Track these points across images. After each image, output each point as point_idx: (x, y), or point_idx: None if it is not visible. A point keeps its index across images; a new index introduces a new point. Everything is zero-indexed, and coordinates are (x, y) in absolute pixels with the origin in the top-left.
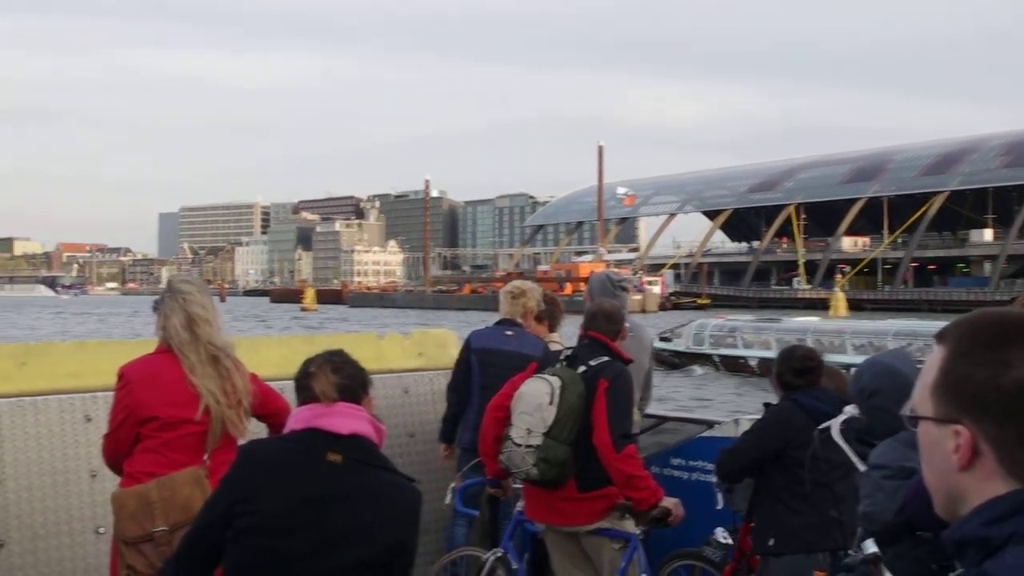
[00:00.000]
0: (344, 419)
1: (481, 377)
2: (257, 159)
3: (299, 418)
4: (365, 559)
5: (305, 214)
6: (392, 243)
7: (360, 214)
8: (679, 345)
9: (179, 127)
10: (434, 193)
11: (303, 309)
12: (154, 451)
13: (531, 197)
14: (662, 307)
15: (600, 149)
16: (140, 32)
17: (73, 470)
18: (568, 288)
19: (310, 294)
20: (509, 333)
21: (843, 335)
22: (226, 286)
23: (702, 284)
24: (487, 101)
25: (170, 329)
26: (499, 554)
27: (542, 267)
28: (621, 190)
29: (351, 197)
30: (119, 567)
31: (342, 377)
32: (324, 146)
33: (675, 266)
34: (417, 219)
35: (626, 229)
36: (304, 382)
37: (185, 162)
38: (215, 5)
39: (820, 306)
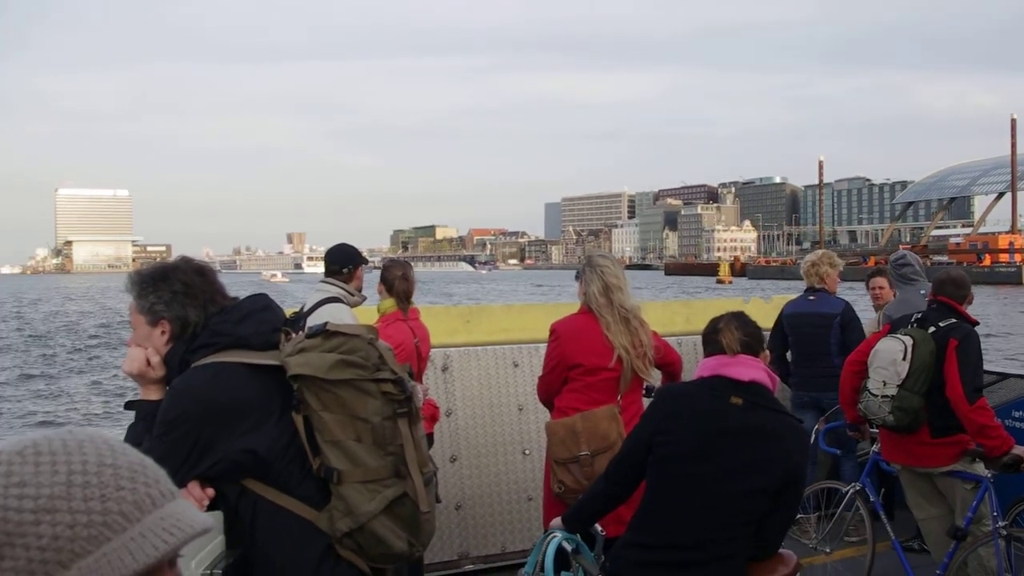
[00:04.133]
0: (745, 368)
1: (792, 337)
2: (619, 156)
3: (706, 367)
4: (765, 486)
5: (669, 200)
6: (747, 223)
7: (714, 198)
8: None
9: (554, 135)
10: (777, 179)
11: (719, 281)
12: (578, 391)
13: (867, 180)
14: None
15: (1013, 122)
16: (509, 62)
17: (505, 404)
18: (987, 259)
19: (725, 268)
20: (812, 298)
21: None
22: None
23: None
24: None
25: (590, 294)
26: (858, 487)
27: (955, 239)
28: None
29: (703, 185)
30: (552, 482)
31: (744, 334)
32: (673, 143)
33: None
34: (763, 202)
35: (959, 205)
36: (712, 336)
37: (563, 161)
38: (569, 36)
39: None
